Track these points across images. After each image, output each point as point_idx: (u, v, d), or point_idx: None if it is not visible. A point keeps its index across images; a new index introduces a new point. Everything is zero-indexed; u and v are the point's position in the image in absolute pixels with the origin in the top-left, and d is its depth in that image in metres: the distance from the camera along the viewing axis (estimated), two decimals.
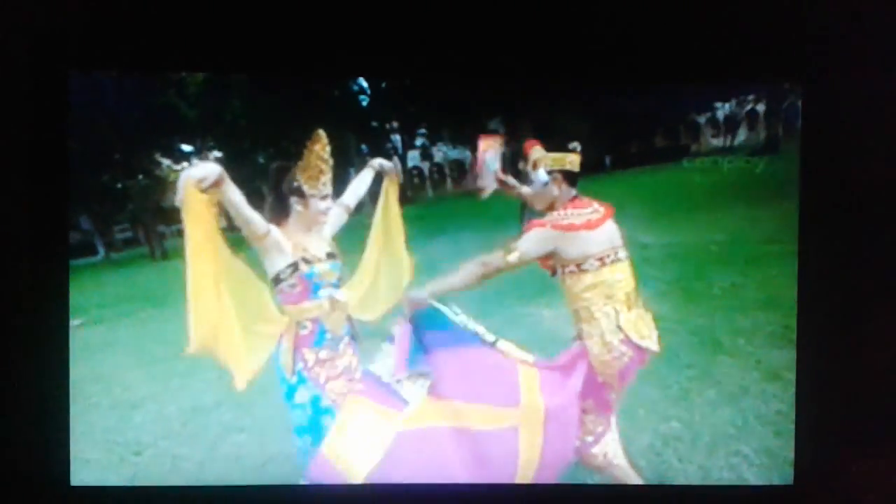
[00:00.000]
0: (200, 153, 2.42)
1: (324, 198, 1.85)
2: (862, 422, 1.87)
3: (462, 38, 1.84)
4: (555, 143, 1.80)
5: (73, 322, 2.35)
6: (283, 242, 1.80)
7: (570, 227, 1.67)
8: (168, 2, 1.80)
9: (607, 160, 2.76)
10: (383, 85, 2.07)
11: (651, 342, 1.73)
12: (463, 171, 2.52)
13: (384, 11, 1.83)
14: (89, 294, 2.74)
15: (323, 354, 1.85)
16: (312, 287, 1.85)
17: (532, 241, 1.70)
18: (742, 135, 2.26)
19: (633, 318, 1.72)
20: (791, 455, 1.89)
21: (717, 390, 2.20)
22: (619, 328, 1.69)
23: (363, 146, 2.16)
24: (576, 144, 1.79)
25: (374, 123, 2.17)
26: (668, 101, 2.11)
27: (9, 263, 1.74)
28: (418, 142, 2.30)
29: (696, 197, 2.61)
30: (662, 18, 1.83)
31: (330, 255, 1.90)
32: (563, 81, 1.98)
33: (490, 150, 1.85)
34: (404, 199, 2.07)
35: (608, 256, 1.68)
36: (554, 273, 1.76)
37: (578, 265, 1.68)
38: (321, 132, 1.77)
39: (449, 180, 2.45)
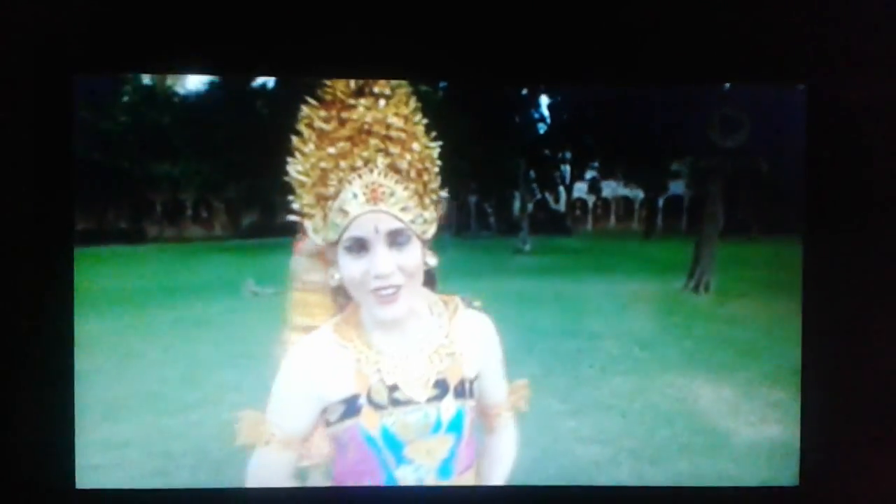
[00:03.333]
0: None
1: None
2: (870, 422, 1.83)
3: None
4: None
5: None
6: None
7: None
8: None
9: None
10: (564, 117, 2.11)
11: None
12: (630, 209, 2.47)
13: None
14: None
15: None
16: (377, 460, 1.06)
17: None
18: (748, 136, 2.00)
19: None
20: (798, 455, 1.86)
21: (725, 390, 2.08)
22: None
23: (531, 171, 2.21)
24: None
25: (547, 152, 2.21)
26: (673, 103, 1.95)
27: (12, 270, 1.71)
28: (588, 174, 2.30)
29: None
30: (665, 19, 1.77)
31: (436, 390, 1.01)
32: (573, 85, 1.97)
33: None
34: (562, 230, 2.08)
35: None
36: None
37: None
38: None
39: (613, 217, 2.41)
